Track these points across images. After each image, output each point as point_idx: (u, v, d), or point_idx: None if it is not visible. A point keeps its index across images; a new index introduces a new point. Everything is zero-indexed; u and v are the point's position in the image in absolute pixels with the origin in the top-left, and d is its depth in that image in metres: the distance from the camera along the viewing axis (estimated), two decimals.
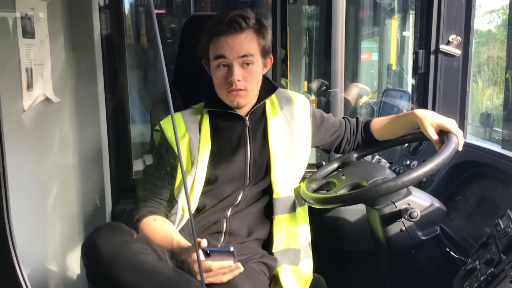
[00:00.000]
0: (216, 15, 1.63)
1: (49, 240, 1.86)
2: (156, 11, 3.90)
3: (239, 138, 1.71)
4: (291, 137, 1.74)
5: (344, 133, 1.87)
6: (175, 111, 1.75)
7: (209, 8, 3.92)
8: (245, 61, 1.60)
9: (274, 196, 1.69)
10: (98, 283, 1.42)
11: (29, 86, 1.62)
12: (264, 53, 1.66)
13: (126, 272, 1.35)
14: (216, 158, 1.68)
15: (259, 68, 1.66)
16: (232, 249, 1.39)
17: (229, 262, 1.40)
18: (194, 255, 1.43)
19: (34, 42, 1.66)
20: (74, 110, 2.03)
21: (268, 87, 1.75)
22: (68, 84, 1.98)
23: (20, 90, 1.57)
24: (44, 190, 1.83)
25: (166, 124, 1.71)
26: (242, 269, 1.44)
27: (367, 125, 1.87)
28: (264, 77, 1.74)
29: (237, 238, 1.68)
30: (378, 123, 1.86)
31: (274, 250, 1.68)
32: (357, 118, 1.90)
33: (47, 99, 1.78)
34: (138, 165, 2.16)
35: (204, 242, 1.43)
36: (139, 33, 4.39)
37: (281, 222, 1.70)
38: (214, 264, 1.40)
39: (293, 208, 1.72)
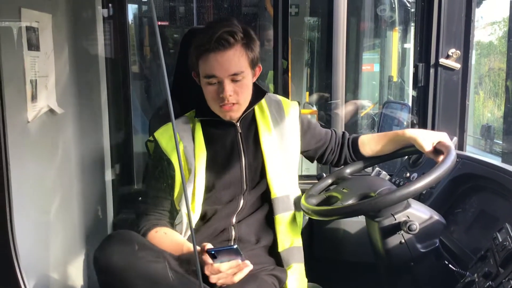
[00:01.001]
0: (204, 30, 1.63)
1: (51, 249, 1.87)
2: (159, 23, 3.93)
3: (232, 144, 1.74)
4: (282, 138, 1.77)
5: (329, 142, 1.90)
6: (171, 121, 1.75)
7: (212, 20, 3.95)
8: (235, 78, 1.62)
9: (272, 196, 1.71)
10: None
11: (34, 98, 1.65)
12: (253, 65, 1.68)
13: (138, 280, 1.39)
14: (212, 165, 1.70)
15: (250, 80, 1.68)
16: (235, 246, 1.41)
17: (236, 261, 1.42)
18: (205, 259, 1.45)
19: (39, 54, 1.69)
20: (77, 121, 2.05)
21: (257, 93, 1.77)
22: (72, 96, 2.01)
23: (24, 101, 1.59)
24: (47, 199, 1.85)
25: (159, 135, 1.73)
26: (251, 266, 1.47)
27: (354, 141, 1.91)
28: (253, 84, 1.75)
29: (247, 245, 1.71)
30: (366, 139, 1.90)
31: (280, 249, 1.71)
32: (343, 132, 1.94)
33: (51, 110, 1.80)
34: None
35: (208, 245, 1.45)
36: (142, 44, 4.43)
37: (282, 221, 1.72)
38: (223, 265, 1.42)
39: (292, 207, 1.75)
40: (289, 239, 1.73)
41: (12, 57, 1.53)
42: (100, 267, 1.42)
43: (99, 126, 2.11)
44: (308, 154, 1.92)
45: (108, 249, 1.40)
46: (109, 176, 2.22)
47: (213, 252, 1.41)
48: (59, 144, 1.92)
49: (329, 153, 1.91)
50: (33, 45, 1.64)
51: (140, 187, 2.30)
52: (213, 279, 1.45)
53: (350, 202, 1.63)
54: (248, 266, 1.46)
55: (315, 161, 1.97)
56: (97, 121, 2.11)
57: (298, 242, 1.75)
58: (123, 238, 1.46)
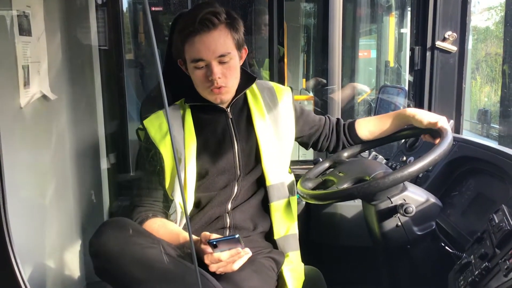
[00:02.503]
0: (186, 14, 1.62)
1: (46, 238, 1.87)
2: (153, 8, 3.90)
3: (224, 130, 1.72)
4: (276, 125, 1.76)
5: (322, 128, 1.89)
6: (163, 108, 1.73)
7: None
8: (222, 59, 1.60)
9: (267, 184, 1.70)
10: (106, 277, 1.44)
11: (26, 83, 1.63)
12: (239, 46, 1.66)
13: (134, 266, 1.37)
14: (204, 152, 1.68)
15: (237, 62, 1.66)
16: (237, 235, 1.40)
17: (237, 249, 1.42)
18: (204, 248, 1.45)
19: (31, 39, 1.66)
20: (71, 107, 2.03)
21: (246, 78, 1.76)
22: (65, 81, 1.99)
23: (17, 87, 1.58)
24: (41, 187, 1.84)
25: (149, 123, 1.71)
26: (250, 253, 1.45)
27: (351, 125, 1.89)
28: (242, 69, 1.73)
29: (243, 232, 1.69)
30: (363, 122, 1.89)
31: (275, 237, 1.71)
32: (338, 119, 1.93)
33: (44, 96, 1.79)
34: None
35: (212, 236, 1.44)
36: (136, 30, 4.39)
37: (277, 208, 1.72)
38: (223, 254, 1.41)
39: (286, 194, 1.74)
40: (285, 226, 1.72)
41: (3, 43, 1.51)
42: (96, 253, 1.41)
43: (93, 112, 2.09)
44: (302, 140, 1.91)
45: (104, 236, 1.39)
46: (104, 163, 2.20)
47: (214, 243, 1.40)
48: (53, 130, 1.90)
49: (323, 140, 1.90)
50: (25, 30, 1.62)
51: (136, 175, 2.29)
52: (212, 267, 1.44)
53: (345, 186, 1.62)
54: (248, 254, 1.45)
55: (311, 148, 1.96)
56: (91, 107, 2.09)
57: (293, 229, 1.74)
58: (118, 225, 1.45)
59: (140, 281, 1.37)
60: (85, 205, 2.15)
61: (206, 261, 1.44)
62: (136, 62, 4.38)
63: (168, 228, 1.62)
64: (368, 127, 1.88)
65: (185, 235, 1.55)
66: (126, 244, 1.38)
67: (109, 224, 1.46)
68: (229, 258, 1.42)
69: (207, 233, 1.46)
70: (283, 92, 1.82)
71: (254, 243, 1.68)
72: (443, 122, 1.67)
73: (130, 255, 1.38)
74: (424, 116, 1.72)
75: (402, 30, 5.10)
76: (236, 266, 1.43)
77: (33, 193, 1.77)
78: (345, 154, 1.89)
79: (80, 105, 2.07)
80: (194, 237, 1.51)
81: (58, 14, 1.92)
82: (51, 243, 1.90)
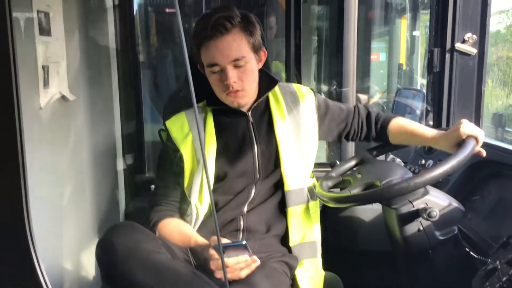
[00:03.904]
0: (200, 20, 1.60)
1: (63, 238, 1.86)
2: (167, 10, 3.90)
3: (244, 133, 1.71)
4: (298, 129, 1.73)
5: (351, 123, 1.84)
6: (187, 109, 1.74)
7: None
8: (237, 63, 1.58)
9: (286, 189, 1.69)
10: (112, 282, 1.42)
11: (46, 84, 1.62)
12: (255, 49, 1.63)
13: (140, 271, 1.35)
14: (223, 154, 1.68)
15: (254, 65, 1.64)
16: (244, 242, 1.39)
17: (244, 256, 1.40)
18: (212, 252, 1.43)
19: (50, 39, 1.66)
20: (88, 107, 2.02)
21: (268, 81, 1.74)
22: (83, 82, 1.98)
23: (37, 87, 1.57)
24: (59, 187, 1.83)
25: (171, 123, 1.71)
26: (258, 262, 1.44)
27: (384, 124, 1.82)
28: (263, 72, 1.72)
29: (256, 234, 1.68)
30: (396, 128, 1.79)
31: (291, 244, 1.69)
32: (369, 111, 1.86)
33: (63, 97, 1.78)
34: None
35: (224, 240, 1.43)
36: (149, 32, 4.39)
37: (294, 214, 1.70)
38: (230, 260, 1.40)
39: (306, 201, 1.72)
40: (301, 233, 1.70)
41: (23, 42, 1.50)
42: (102, 258, 1.40)
43: (110, 114, 2.09)
44: (333, 139, 1.87)
45: (110, 240, 1.38)
46: (120, 164, 2.20)
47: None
48: (71, 131, 1.90)
49: (353, 134, 1.86)
50: (45, 30, 1.61)
51: (152, 176, 2.28)
52: (218, 274, 1.43)
53: (356, 190, 1.61)
54: (256, 262, 1.43)
55: (326, 150, 1.93)
56: (108, 109, 2.08)
57: (310, 236, 1.71)
58: (125, 230, 1.43)
59: (146, 287, 1.35)
60: (101, 206, 2.15)
61: (212, 266, 1.43)
62: (149, 64, 4.38)
63: (181, 230, 1.61)
64: (400, 137, 1.80)
65: (196, 238, 1.55)
66: (133, 249, 1.37)
67: (116, 229, 1.44)
68: (236, 265, 1.40)
69: (222, 238, 1.45)
70: (305, 95, 1.79)
71: (267, 247, 1.66)
72: (466, 128, 1.56)
73: (137, 260, 1.36)
74: (452, 142, 1.58)
75: (414, 33, 5.07)
76: (243, 273, 1.42)
77: (51, 193, 1.76)
78: (374, 152, 1.87)
79: (97, 106, 2.07)
80: (205, 241, 1.51)
81: (77, 15, 1.92)
82: (67, 243, 1.89)
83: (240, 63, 1.58)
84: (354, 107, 1.87)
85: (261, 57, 1.69)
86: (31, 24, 1.53)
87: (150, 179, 2.33)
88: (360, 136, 1.86)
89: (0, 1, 1.00)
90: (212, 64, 1.59)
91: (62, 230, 1.84)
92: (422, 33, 5.13)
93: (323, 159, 3.17)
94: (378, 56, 5.27)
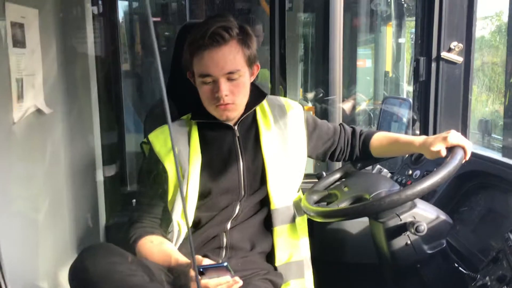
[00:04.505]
0: (198, 27, 1.56)
1: (40, 258, 1.80)
2: (152, 19, 3.85)
3: (230, 148, 1.66)
4: (285, 145, 1.69)
5: (338, 141, 1.80)
6: (167, 122, 1.70)
7: (204, 16, 3.88)
8: (231, 76, 1.54)
9: (272, 207, 1.64)
10: None
11: (20, 97, 1.57)
12: (250, 63, 1.60)
13: None
14: (208, 170, 1.62)
15: (247, 79, 1.60)
16: (225, 263, 1.34)
17: (226, 278, 1.35)
18: (192, 272, 1.38)
19: (25, 51, 1.60)
20: (66, 121, 1.97)
21: (257, 94, 1.70)
22: (61, 95, 1.93)
23: (10, 101, 1.51)
24: (34, 203, 1.77)
25: (154, 137, 1.65)
26: (240, 283, 1.40)
27: (366, 140, 1.79)
28: (253, 85, 1.68)
29: (239, 252, 1.62)
30: (377, 141, 1.78)
31: (277, 264, 1.63)
32: (353, 129, 1.84)
33: (39, 110, 1.72)
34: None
35: (205, 261, 1.38)
36: (134, 41, 4.34)
37: (281, 233, 1.65)
38: (210, 282, 1.34)
39: (292, 219, 1.67)
40: (288, 252, 1.65)
41: None
42: (75, 284, 1.33)
43: (89, 125, 2.03)
44: (317, 157, 1.83)
45: (84, 263, 1.32)
46: (100, 177, 2.14)
47: (201, 270, 1.34)
48: (47, 145, 1.84)
49: (339, 153, 1.82)
50: (19, 42, 1.56)
51: (133, 189, 2.22)
52: None
53: (344, 204, 1.57)
54: (238, 283, 1.39)
55: (314, 160, 1.89)
56: (88, 120, 2.03)
57: (297, 255, 1.66)
58: (99, 252, 1.37)
59: None
60: (81, 221, 2.08)
61: (193, 287, 1.37)
62: (133, 73, 4.33)
63: (162, 248, 1.55)
64: (381, 148, 1.78)
65: (177, 257, 1.49)
66: (106, 272, 1.30)
67: (89, 251, 1.38)
68: (217, 286, 1.35)
69: (199, 257, 1.40)
70: (294, 110, 1.74)
71: (251, 264, 1.60)
72: (453, 138, 1.53)
73: (111, 284, 1.29)
74: (437, 147, 1.54)
75: (400, 40, 5.08)
76: None
77: (26, 209, 1.70)
78: (357, 165, 1.84)
79: (76, 117, 2.01)
80: (186, 260, 1.46)
81: (54, 25, 1.86)
82: (44, 264, 1.83)
83: (234, 76, 1.54)
84: (340, 125, 1.84)
85: (254, 71, 1.65)
86: (5, 35, 1.48)
87: (132, 192, 2.28)
88: (345, 155, 1.83)
89: None
90: (205, 75, 1.54)
91: (38, 250, 1.78)
92: (407, 39, 5.15)
93: (310, 170, 3.14)
94: (364, 62, 5.29)
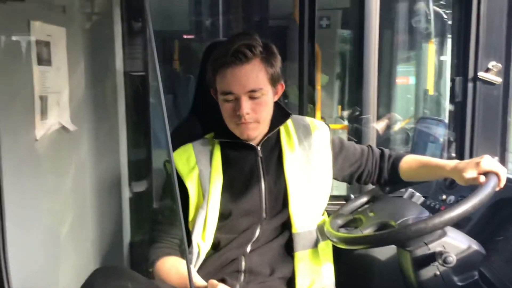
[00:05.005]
0: (221, 44, 1.57)
1: (62, 274, 1.80)
2: (185, 36, 3.89)
3: (252, 169, 1.63)
4: (309, 167, 1.64)
5: (365, 164, 1.74)
6: (193, 140, 1.69)
7: None
8: (253, 95, 1.53)
9: (293, 231, 1.59)
10: None
11: (43, 115, 1.58)
12: (273, 82, 1.58)
13: None
14: (229, 191, 1.60)
15: (269, 98, 1.58)
16: None
17: None
18: None
19: (50, 69, 1.62)
20: (93, 138, 1.98)
21: (281, 114, 1.67)
22: (87, 112, 1.94)
23: (32, 118, 1.53)
24: (57, 220, 1.78)
25: (177, 155, 1.65)
26: None
27: (395, 163, 1.73)
28: (277, 104, 1.66)
29: (259, 277, 1.58)
30: (406, 165, 1.71)
31: None
32: (382, 151, 1.77)
33: (63, 128, 1.73)
34: None
35: (215, 285, 1.34)
36: (171, 57, 4.41)
37: (303, 258, 1.59)
38: None
39: (315, 244, 1.62)
40: (309, 279, 1.58)
41: (19, 72, 1.46)
42: None
43: (116, 142, 2.04)
44: (343, 179, 1.79)
45: (93, 285, 1.30)
46: (126, 194, 2.13)
47: None
48: (72, 161, 1.85)
49: (366, 176, 1.76)
50: (44, 60, 1.58)
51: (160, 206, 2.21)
52: None
53: (368, 230, 1.51)
54: None
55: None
56: (115, 137, 2.03)
57: (320, 282, 1.59)
58: (109, 274, 1.36)
59: None
60: (105, 238, 2.09)
61: None
62: (169, 89, 4.38)
63: (179, 270, 1.52)
64: (410, 172, 1.71)
65: (195, 280, 1.45)
66: None
67: (99, 273, 1.36)
68: None
69: (215, 281, 1.36)
70: (320, 130, 1.70)
71: None
72: (486, 163, 1.47)
73: None
74: (470, 173, 1.47)
75: (442, 58, 4.94)
76: None
77: (49, 226, 1.71)
78: (385, 188, 1.77)
79: (102, 135, 2.02)
80: (203, 283, 1.42)
81: (82, 43, 1.89)
82: (66, 280, 1.82)
83: (256, 94, 1.53)
84: (368, 147, 1.78)
85: (278, 90, 1.64)
86: (29, 54, 1.50)
87: (157, 211, 2.26)
88: (373, 178, 1.76)
89: None
90: (227, 92, 1.53)
91: (60, 267, 1.78)
92: (450, 57, 5.00)
93: (343, 191, 3.05)
94: (407, 79, 5.18)
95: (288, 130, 1.69)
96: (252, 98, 1.53)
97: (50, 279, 1.73)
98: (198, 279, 1.48)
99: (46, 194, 1.66)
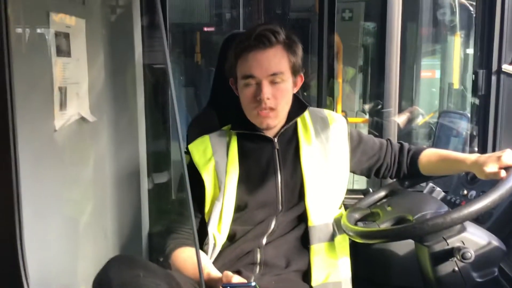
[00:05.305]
0: (245, 31, 1.57)
1: (81, 264, 1.82)
2: (206, 29, 3.90)
3: (268, 161, 1.62)
4: (326, 160, 1.62)
5: (384, 158, 1.72)
6: (211, 132, 1.69)
7: None
8: (274, 79, 1.52)
9: (309, 224, 1.57)
10: None
11: (62, 106, 1.60)
12: (294, 71, 1.58)
13: None
14: (245, 183, 1.59)
15: (289, 86, 1.57)
16: (254, 283, 1.29)
17: None
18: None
19: (70, 60, 1.64)
20: (112, 129, 2.00)
21: (298, 106, 1.66)
22: (107, 103, 1.96)
23: (52, 109, 1.54)
24: (76, 210, 1.80)
25: (194, 147, 1.65)
26: None
27: (414, 157, 1.71)
28: (295, 96, 1.64)
29: (274, 269, 1.57)
30: (426, 158, 1.69)
31: (313, 283, 1.56)
32: (401, 145, 1.75)
33: (83, 118, 1.75)
34: None
35: (234, 279, 1.34)
36: (193, 50, 4.42)
37: (318, 251, 1.58)
38: None
39: (331, 237, 1.60)
40: (325, 272, 1.57)
41: (38, 64, 1.48)
42: None
43: (135, 134, 2.06)
44: (361, 172, 1.77)
45: (107, 276, 1.30)
46: (145, 185, 2.16)
47: (228, 287, 1.30)
48: (92, 152, 1.87)
49: (384, 170, 1.74)
50: (63, 51, 1.59)
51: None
52: None
53: (385, 225, 1.49)
54: None
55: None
56: (134, 128, 2.05)
57: (336, 275, 1.57)
58: (123, 264, 1.36)
59: None
60: (123, 228, 2.11)
61: None
62: (191, 82, 4.39)
63: (195, 261, 1.52)
64: (430, 166, 1.69)
65: (209, 271, 1.46)
66: (131, 284, 1.28)
67: (114, 262, 1.37)
68: None
69: (229, 273, 1.36)
70: (337, 123, 1.68)
71: (286, 282, 1.54)
72: (507, 158, 1.42)
73: None
74: (490, 167, 1.44)
75: (468, 51, 4.85)
76: None
77: (67, 216, 1.73)
78: (404, 183, 1.74)
79: (122, 125, 2.04)
80: (218, 274, 1.42)
81: (102, 35, 1.90)
82: (85, 269, 1.85)
83: (277, 78, 1.52)
84: (387, 140, 1.75)
85: (297, 81, 1.63)
86: (48, 45, 1.52)
87: (174, 202, 2.28)
88: (392, 172, 1.74)
89: None
90: (248, 76, 1.53)
91: (79, 255, 1.81)
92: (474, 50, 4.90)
93: (363, 184, 3.03)
94: (433, 73, 5.10)
95: (305, 122, 1.67)
96: (273, 84, 1.53)
97: (68, 269, 1.76)
98: (213, 271, 1.48)
99: (65, 185, 1.68)
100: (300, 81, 1.64)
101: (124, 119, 2.04)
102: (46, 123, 1.53)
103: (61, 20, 1.58)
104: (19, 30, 1.36)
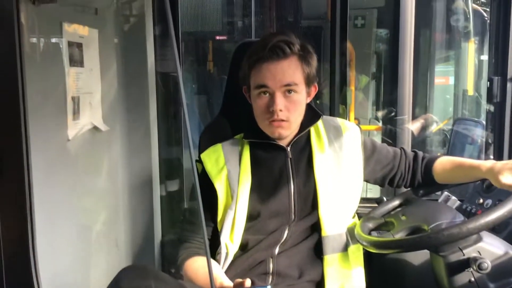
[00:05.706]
0: (259, 41, 1.55)
1: (93, 272, 1.82)
2: (218, 37, 3.91)
3: (281, 170, 1.60)
4: (339, 169, 1.61)
5: (398, 167, 1.70)
6: (223, 141, 1.69)
7: None
8: (288, 89, 1.51)
9: (323, 234, 1.56)
10: None
11: (75, 115, 1.61)
12: (308, 82, 1.56)
13: None
14: (258, 192, 1.58)
15: (303, 97, 1.56)
16: (269, 287, 1.28)
17: None
18: None
19: (83, 70, 1.65)
20: (125, 137, 2.01)
21: (312, 115, 1.64)
22: (120, 112, 1.97)
23: (65, 119, 1.55)
24: (88, 218, 1.81)
25: (206, 156, 1.64)
26: None
27: (428, 165, 1.68)
28: (308, 105, 1.63)
29: (287, 279, 1.55)
30: (440, 166, 1.67)
31: None
32: (415, 153, 1.73)
33: (95, 128, 1.76)
34: None
35: (247, 283, 1.32)
36: (205, 59, 4.43)
37: (332, 262, 1.56)
38: None
39: (345, 247, 1.58)
40: (339, 283, 1.55)
41: (51, 73, 1.49)
42: None
43: (147, 142, 2.06)
44: (375, 182, 1.75)
45: (119, 285, 1.30)
46: (158, 193, 2.16)
47: None
48: (104, 162, 1.88)
49: (399, 179, 1.72)
50: (76, 61, 1.60)
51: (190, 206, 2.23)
52: None
53: (400, 234, 1.47)
54: None
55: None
56: (146, 137, 2.06)
57: (349, 286, 1.55)
58: (135, 274, 1.36)
59: None
60: (136, 235, 2.11)
61: None
62: (203, 90, 4.40)
63: (207, 271, 1.52)
64: (444, 174, 1.67)
65: (221, 281, 1.44)
66: None
67: (126, 273, 1.37)
68: None
69: (247, 281, 1.34)
70: (351, 132, 1.67)
71: None
72: None
73: None
74: (506, 175, 1.43)
75: (482, 57, 4.81)
76: None
77: (80, 224, 1.73)
78: (419, 192, 1.72)
79: (134, 134, 2.05)
80: (230, 283, 1.41)
81: (114, 44, 1.92)
82: (97, 278, 1.85)
83: (290, 88, 1.51)
84: (401, 149, 1.74)
85: (311, 91, 1.62)
86: (61, 55, 1.53)
87: (187, 210, 2.28)
88: (406, 181, 1.72)
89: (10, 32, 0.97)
90: (261, 86, 1.52)
91: (91, 264, 1.81)
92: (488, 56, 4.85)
93: (376, 193, 3.00)
94: (447, 80, 5.06)
95: (318, 131, 1.66)
96: (286, 95, 1.52)
97: (81, 277, 1.76)
98: (226, 280, 1.46)
99: (78, 194, 1.69)
100: (314, 91, 1.63)
101: (136, 128, 2.05)
102: (59, 132, 1.54)
103: (74, 30, 1.59)
104: (33, 40, 1.37)
